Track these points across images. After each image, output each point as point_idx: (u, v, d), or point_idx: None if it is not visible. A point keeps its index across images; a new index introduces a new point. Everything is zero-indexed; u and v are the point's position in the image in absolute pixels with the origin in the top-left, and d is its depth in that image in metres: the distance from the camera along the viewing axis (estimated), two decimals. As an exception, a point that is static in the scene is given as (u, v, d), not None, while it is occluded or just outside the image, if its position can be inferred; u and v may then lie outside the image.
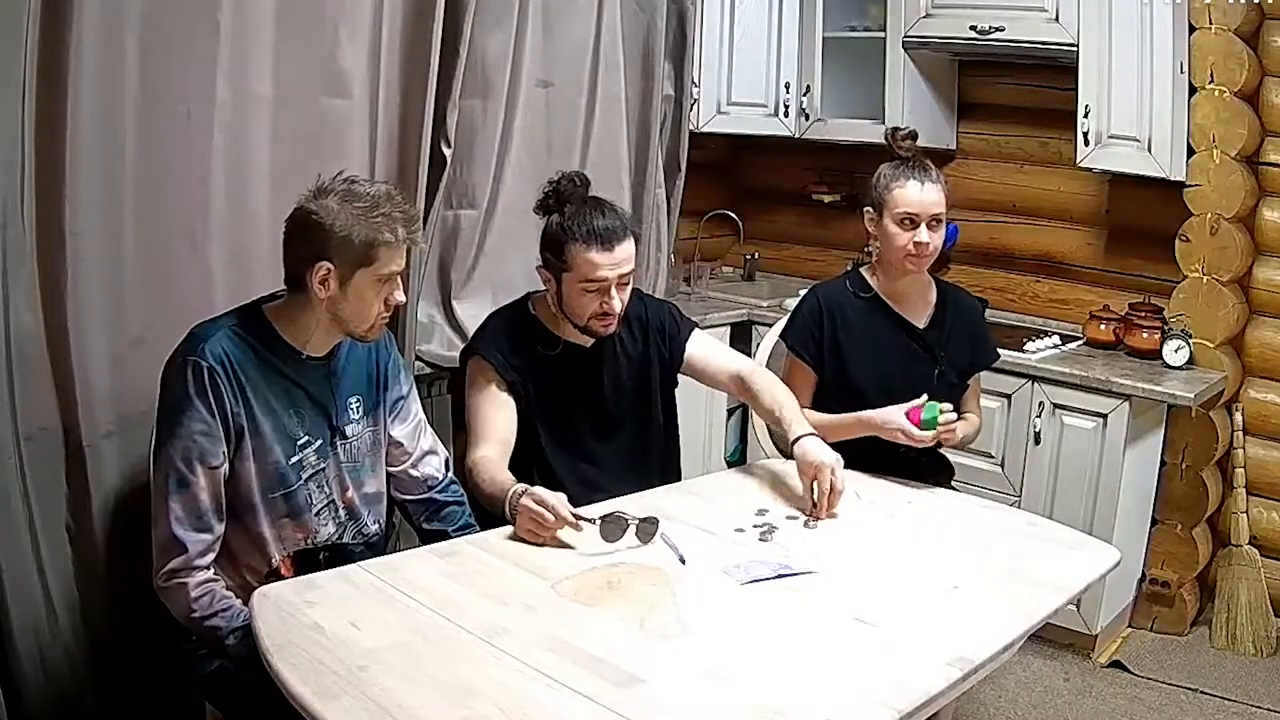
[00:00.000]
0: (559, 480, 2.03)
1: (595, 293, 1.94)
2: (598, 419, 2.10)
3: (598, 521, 1.68)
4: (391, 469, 1.89)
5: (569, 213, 1.94)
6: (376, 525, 1.84)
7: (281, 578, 1.66)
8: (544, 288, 2.03)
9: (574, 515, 1.69)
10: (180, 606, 1.59)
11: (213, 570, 1.62)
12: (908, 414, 2.06)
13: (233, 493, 1.65)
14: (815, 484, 1.88)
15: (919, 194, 2.09)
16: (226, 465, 1.62)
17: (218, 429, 1.59)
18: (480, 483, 1.85)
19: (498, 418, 1.98)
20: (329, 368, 1.75)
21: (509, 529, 1.74)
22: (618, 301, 1.96)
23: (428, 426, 1.95)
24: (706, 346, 2.20)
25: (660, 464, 2.18)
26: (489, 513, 1.85)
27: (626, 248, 1.94)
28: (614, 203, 2.01)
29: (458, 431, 2.46)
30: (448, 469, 1.96)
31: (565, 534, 1.69)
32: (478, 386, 2.01)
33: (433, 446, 1.94)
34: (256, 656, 1.36)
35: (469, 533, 1.88)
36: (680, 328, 2.18)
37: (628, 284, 1.98)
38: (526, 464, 2.00)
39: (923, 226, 2.10)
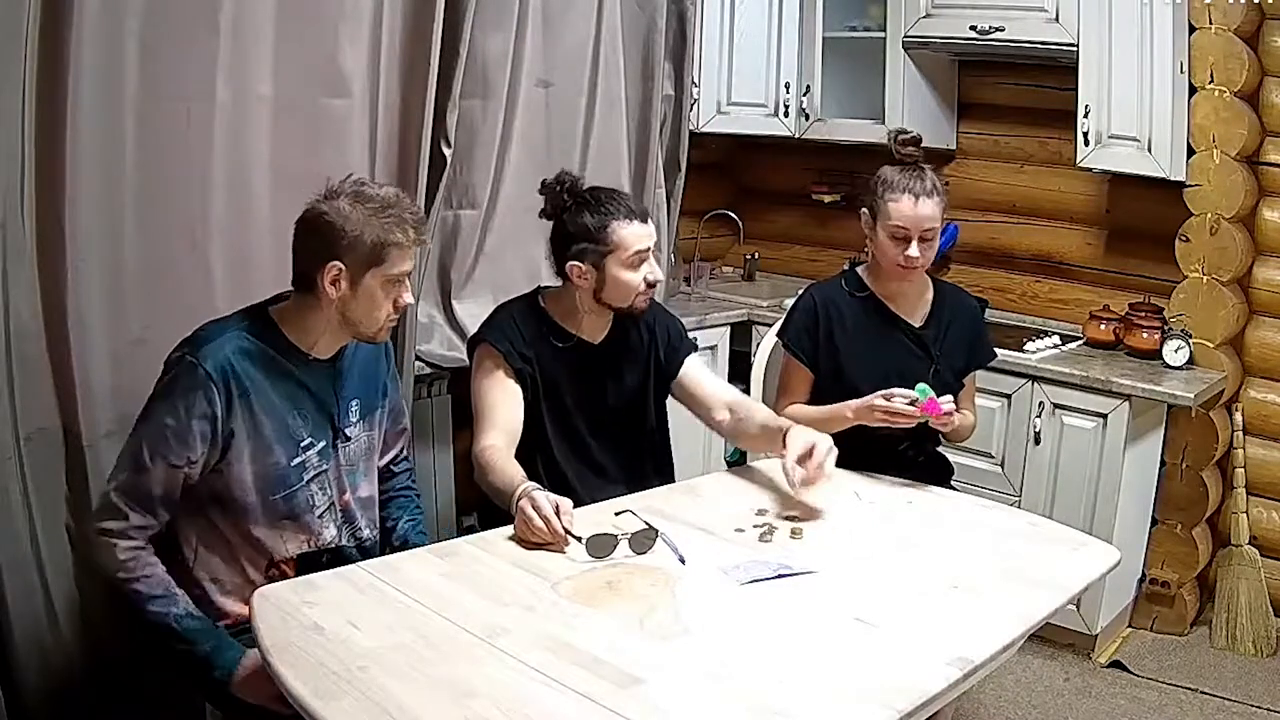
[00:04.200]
0: (562, 472, 2.05)
1: (642, 265, 2.00)
2: (598, 416, 2.10)
3: (584, 540, 1.65)
4: None
5: (591, 200, 2.00)
6: (370, 531, 1.84)
7: (284, 577, 1.66)
8: (577, 283, 2.02)
9: (565, 530, 1.67)
10: (109, 562, 1.58)
11: (146, 544, 1.60)
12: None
13: (227, 494, 1.64)
14: (812, 455, 1.85)
15: (912, 210, 2.08)
16: (192, 470, 1.60)
17: (188, 434, 1.57)
18: (488, 473, 1.86)
19: (505, 405, 1.99)
20: (334, 369, 1.75)
21: (507, 529, 1.74)
22: (656, 270, 2.04)
23: (409, 435, 2.01)
24: (702, 371, 2.22)
25: (655, 466, 2.20)
26: (496, 506, 1.84)
27: (651, 223, 2.06)
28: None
29: (458, 430, 2.46)
30: (410, 477, 2.01)
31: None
32: (485, 371, 2.02)
33: (406, 454, 2.01)
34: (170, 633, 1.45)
35: (417, 521, 1.95)
36: (684, 343, 2.22)
37: (657, 256, 2.07)
38: (531, 454, 2.00)
39: (914, 242, 2.09)
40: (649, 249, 2.01)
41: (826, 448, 1.87)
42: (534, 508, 1.67)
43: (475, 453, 1.92)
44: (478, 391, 2.01)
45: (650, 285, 2.03)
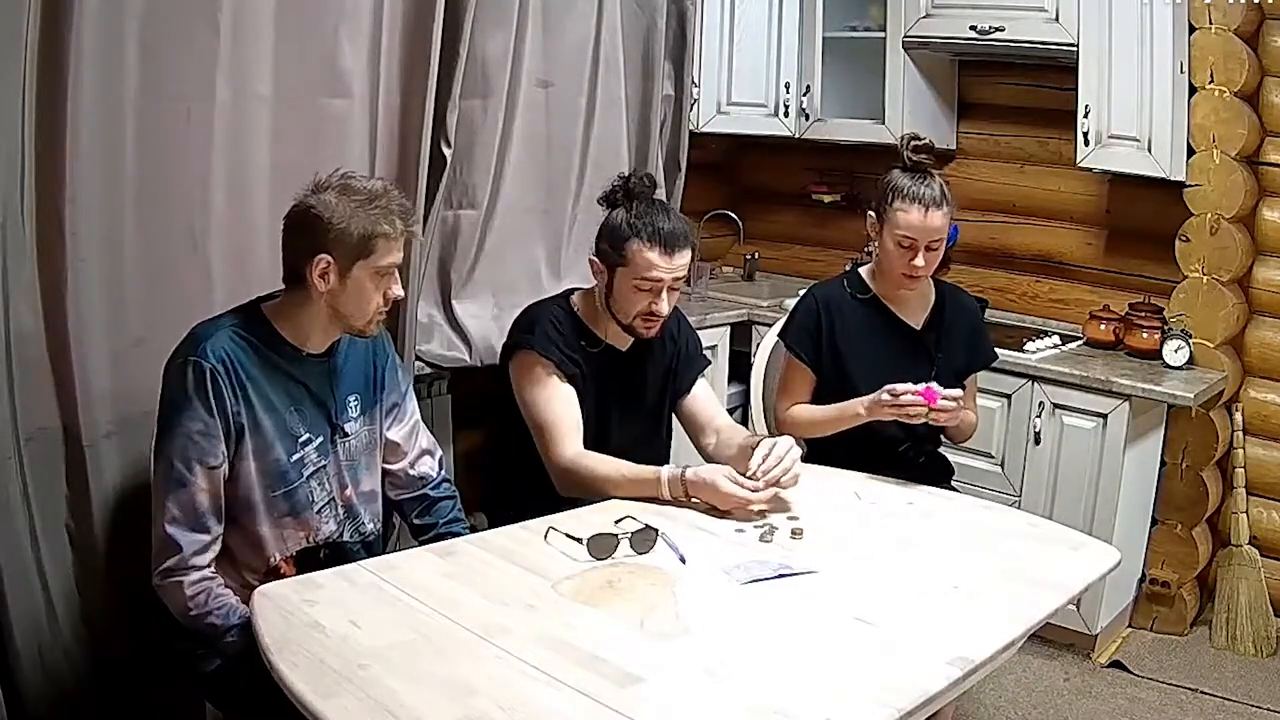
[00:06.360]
0: None
1: (647, 292, 1.96)
2: (617, 422, 2.10)
3: (585, 540, 1.66)
4: (389, 466, 1.89)
5: (637, 210, 1.96)
6: (373, 524, 1.84)
7: (282, 578, 1.66)
8: (593, 280, 2.05)
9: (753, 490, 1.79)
10: (177, 604, 1.60)
11: (210, 569, 1.62)
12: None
13: (233, 493, 1.65)
14: (772, 450, 1.86)
15: (921, 221, 2.08)
16: (226, 465, 1.62)
17: (216, 429, 1.59)
18: (597, 473, 1.88)
19: (570, 410, 1.98)
20: (329, 365, 1.75)
21: (507, 529, 1.74)
22: (666, 304, 1.97)
23: (424, 427, 1.95)
24: (707, 392, 2.22)
25: None
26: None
27: (685, 255, 1.97)
28: (677, 211, 2.04)
29: (458, 430, 2.46)
30: (441, 467, 1.97)
31: (562, 545, 1.68)
32: (539, 381, 1.99)
33: (429, 447, 1.95)
34: (254, 653, 1.37)
35: (458, 525, 1.91)
36: (698, 360, 2.22)
37: (677, 290, 2.00)
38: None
39: (920, 252, 2.09)
40: (663, 280, 1.95)
41: (786, 447, 1.87)
42: (732, 481, 1.80)
43: (568, 461, 1.92)
44: (536, 402, 1.98)
45: (651, 314, 1.98)
